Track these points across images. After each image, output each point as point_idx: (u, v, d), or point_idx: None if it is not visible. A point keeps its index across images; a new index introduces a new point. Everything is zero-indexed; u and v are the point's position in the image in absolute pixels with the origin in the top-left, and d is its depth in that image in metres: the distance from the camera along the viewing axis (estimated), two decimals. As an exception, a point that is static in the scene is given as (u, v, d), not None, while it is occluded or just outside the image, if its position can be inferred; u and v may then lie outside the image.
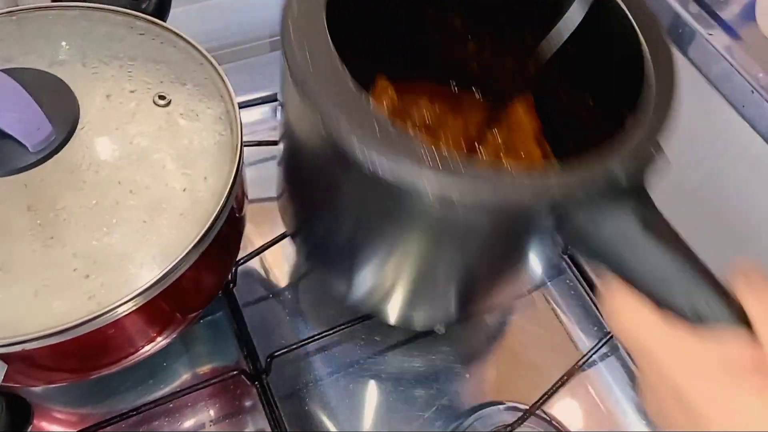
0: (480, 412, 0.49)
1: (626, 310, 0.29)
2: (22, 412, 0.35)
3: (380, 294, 0.42)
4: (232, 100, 0.43)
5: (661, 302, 0.29)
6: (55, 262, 0.37)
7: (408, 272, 0.39)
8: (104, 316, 0.36)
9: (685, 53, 0.62)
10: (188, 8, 0.53)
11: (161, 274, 0.37)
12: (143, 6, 0.48)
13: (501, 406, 0.49)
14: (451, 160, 0.30)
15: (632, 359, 0.52)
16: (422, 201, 0.31)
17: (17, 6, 0.46)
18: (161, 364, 0.49)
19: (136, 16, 0.46)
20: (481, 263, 0.38)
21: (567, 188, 0.30)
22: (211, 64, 0.44)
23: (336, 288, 0.46)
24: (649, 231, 0.30)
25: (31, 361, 0.39)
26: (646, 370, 0.29)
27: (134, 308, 0.37)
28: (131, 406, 0.46)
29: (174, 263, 0.37)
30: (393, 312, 0.44)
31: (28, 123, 0.36)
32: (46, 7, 0.46)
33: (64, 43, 0.43)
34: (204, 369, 0.49)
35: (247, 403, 0.48)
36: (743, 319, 0.27)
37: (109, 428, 0.45)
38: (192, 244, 0.38)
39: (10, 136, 0.37)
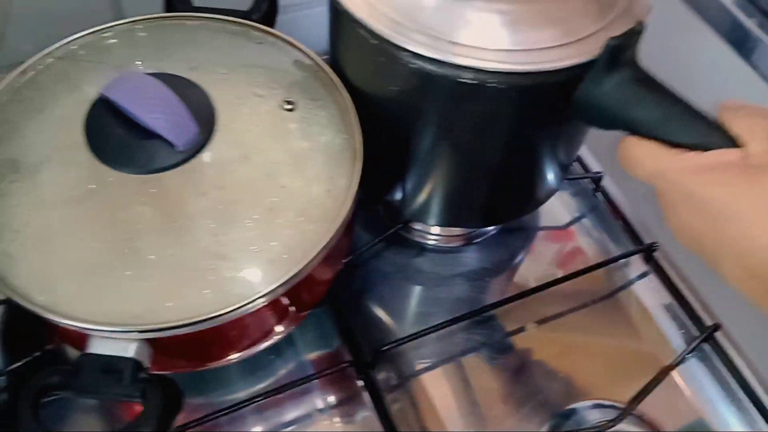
0: (574, 409, 0.51)
1: (641, 151, 0.37)
2: (174, 395, 0.37)
3: (421, 192, 0.50)
4: (348, 104, 0.45)
5: (666, 143, 0.37)
6: (192, 256, 0.39)
7: (446, 165, 0.47)
8: (241, 309, 0.38)
9: (748, 60, 0.63)
10: (293, 15, 0.56)
11: (293, 272, 0.39)
12: (253, 16, 0.50)
13: (595, 404, 0.51)
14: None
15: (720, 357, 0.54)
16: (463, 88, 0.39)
17: (124, 18, 0.49)
18: (267, 357, 0.51)
19: (251, 26, 0.49)
20: (511, 147, 0.46)
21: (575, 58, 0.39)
22: (325, 71, 0.47)
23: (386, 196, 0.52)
24: (642, 84, 0.39)
25: (158, 348, 0.41)
26: (665, 191, 0.36)
27: (263, 304, 0.39)
28: (241, 397, 0.49)
29: (306, 261, 0.39)
30: (434, 211, 0.51)
31: (177, 124, 0.39)
32: (165, 17, 0.49)
33: (191, 51, 0.46)
34: (309, 361, 0.51)
35: (350, 396, 0.50)
36: (734, 143, 0.35)
37: (223, 418, 0.47)
38: (323, 243, 0.40)
39: (157, 136, 0.39)
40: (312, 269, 0.41)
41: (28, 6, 0.57)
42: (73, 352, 0.49)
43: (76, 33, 0.47)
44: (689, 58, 0.69)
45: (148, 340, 0.39)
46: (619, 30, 0.39)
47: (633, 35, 0.39)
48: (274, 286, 0.39)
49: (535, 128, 0.45)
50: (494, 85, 0.38)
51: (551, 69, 0.38)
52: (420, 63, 0.39)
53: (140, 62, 0.45)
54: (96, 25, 0.48)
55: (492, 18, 0.39)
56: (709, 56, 0.66)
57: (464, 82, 0.38)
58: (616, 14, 0.41)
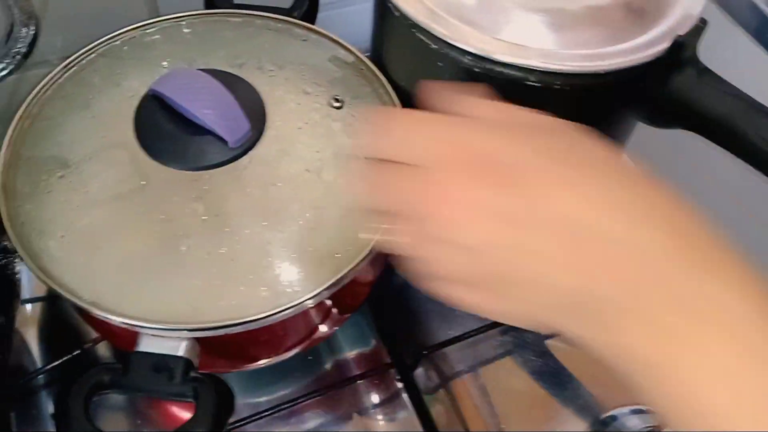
0: (614, 416, 0.50)
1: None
2: (226, 395, 0.36)
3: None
4: (393, 100, 0.44)
5: (734, 140, 0.37)
6: (244, 254, 0.38)
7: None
8: (294, 308, 0.37)
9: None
10: (331, 13, 0.55)
11: (346, 270, 0.38)
12: (294, 13, 0.50)
13: (634, 410, 0.50)
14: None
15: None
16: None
17: (159, 15, 0.48)
18: (305, 356, 0.50)
19: (294, 23, 0.48)
20: None
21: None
22: (371, 69, 0.46)
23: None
24: (706, 80, 0.39)
25: (203, 348, 0.41)
26: None
27: (313, 304, 0.39)
28: (277, 397, 0.48)
29: (359, 259, 0.39)
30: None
31: (229, 120, 0.38)
32: (208, 14, 0.48)
33: (237, 48, 0.46)
34: (347, 360, 0.50)
35: (390, 396, 0.49)
36: None
37: (262, 419, 0.46)
38: (371, 245, 0.39)
39: (209, 133, 0.39)
40: (362, 267, 0.40)
41: (61, 2, 0.56)
42: (106, 352, 0.49)
43: (109, 30, 0.47)
44: (717, 57, 0.68)
45: (198, 339, 0.38)
46: (683, 28, 0.38)
47: (697, 32, 0.38)
48: (328, 284, 0.38)
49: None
50: (558, 86, 0.38)
51: (617, 68, 0.38)
52: (485, 66, 0.38)
53: (166, 63, 0.45)
54: (131, 23, 0.47)
55: (555, 19, 0.39)
56: (738, 55, 0.66)
57: (530, 85, 0.38)
58: (674, 12, 0.41)
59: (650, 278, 0.25)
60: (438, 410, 0.49)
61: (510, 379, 0.51)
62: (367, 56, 0.47)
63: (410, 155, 0.28)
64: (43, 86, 0.44)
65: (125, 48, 0.46)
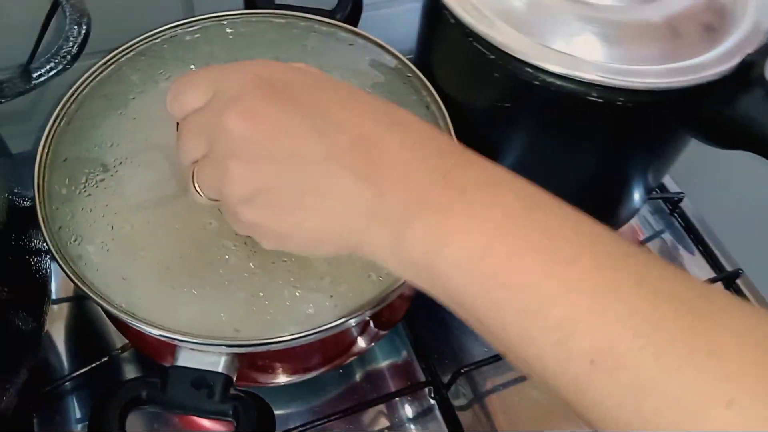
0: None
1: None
2: (266, 413, 0.35)
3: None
4: (441, 109, 0.43)
5: None
6: (290, 268, 0.37)
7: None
8: (336, 327, 0.36)
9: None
10: (373, 14, 0.54)
11: (390, 289, 0.37)
12: (337, 16, 0.48)
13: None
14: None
15: None
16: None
17: (194, 14, 0.47)
18: (337, 372, 0.49)
19: (339, 27, 0.47)
20: (608, 166, 0.44)
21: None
22: (419, 77, 0.45)
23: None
24: None
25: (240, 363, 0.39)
26: None
27: (355, 324, 0.37)
28: (306, 410, 0.47)
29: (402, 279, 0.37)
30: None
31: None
32: (251, 14, 0.47)
33: (280, 50, 0.44)
34: (379, 373, 0.49)
35: (423, 411, 0.48)
36: None
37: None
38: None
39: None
40: (407, 284, 0.38)
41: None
42: (133, 359, 0.48)
43: (140, 27, 0.45)
44: None
45: (237, 354, 0.37)
46: (752, 45, 0.37)
47: (767, 50, 0.37)
48: (373, 302, 0.37)
49: (638, 147, 0.43)
50: (620, 103, 0.36)
51: (683, 86, 0.36)
52: (545, 78, 0.37)
53: (209, 63, 0.43)
54: (164, 21, 0.46)
55: (620, 33, 0.37)
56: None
57: (591, 100, 0.36)
58: (742, 28, 0.39)
59: (419, 172, 0.27)
60: (471, 427, 0.47)
61: (546, 396, 0.50)
62: (408, 59, 0.46)
63: (197, 97, 0.30)
64: (81, 83, 0.42)
65: (165, 47, 0.45)
